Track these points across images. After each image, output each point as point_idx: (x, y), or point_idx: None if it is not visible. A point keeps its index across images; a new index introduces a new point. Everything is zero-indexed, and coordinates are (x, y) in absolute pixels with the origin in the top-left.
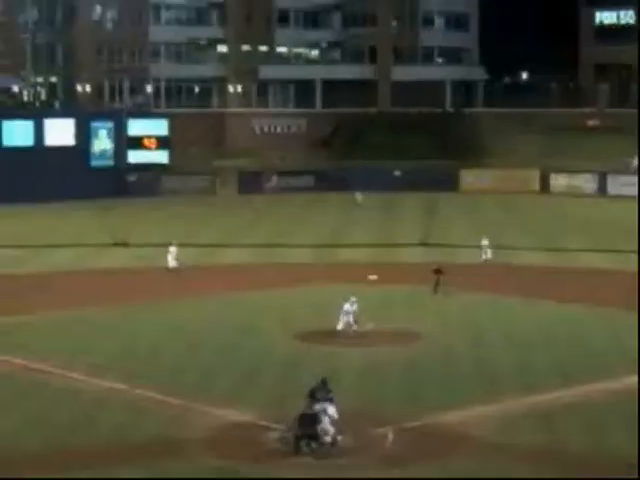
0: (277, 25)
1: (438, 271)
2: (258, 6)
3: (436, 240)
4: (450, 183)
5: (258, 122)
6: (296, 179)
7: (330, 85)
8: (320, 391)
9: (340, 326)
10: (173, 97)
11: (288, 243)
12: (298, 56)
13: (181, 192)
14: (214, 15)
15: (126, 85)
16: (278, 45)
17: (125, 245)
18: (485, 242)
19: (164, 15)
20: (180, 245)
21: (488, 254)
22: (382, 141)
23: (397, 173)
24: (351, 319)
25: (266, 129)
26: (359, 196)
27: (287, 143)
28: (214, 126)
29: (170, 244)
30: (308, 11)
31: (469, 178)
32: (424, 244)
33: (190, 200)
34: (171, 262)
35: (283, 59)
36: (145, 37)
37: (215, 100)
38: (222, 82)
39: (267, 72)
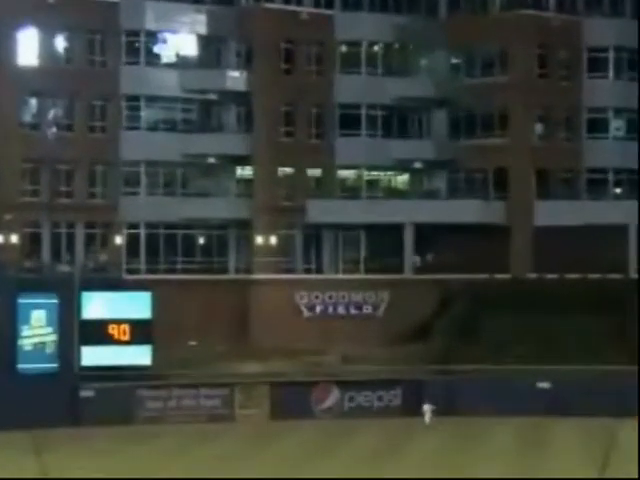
0: (338, 132)
1: None
2: (305, 100)
3: None
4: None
5: (306, 296)
6: (371, 394)
7: (429, 233)
8: None
9: None
10: (160, 253)
11: None
12: (373, 184)
13: (172, 417)
14: (230, 115)
15: (80, 233)
16: (340, 165)
17: None
18: None
19: (145, 114)
20: None
21: None
22: (517, 330)
23: (543, 385)
24: None
25: (320, 308)
26: (428, 411)
27: (355, 332)
28: (231, 303)
29: None
30: (392, 107)
31: None
32: None
33: (188, 431)
34: None
35: (347, 189)
36: (113, 151)
37: (232, 259)
38: (244, 228)
39: (320, 211)
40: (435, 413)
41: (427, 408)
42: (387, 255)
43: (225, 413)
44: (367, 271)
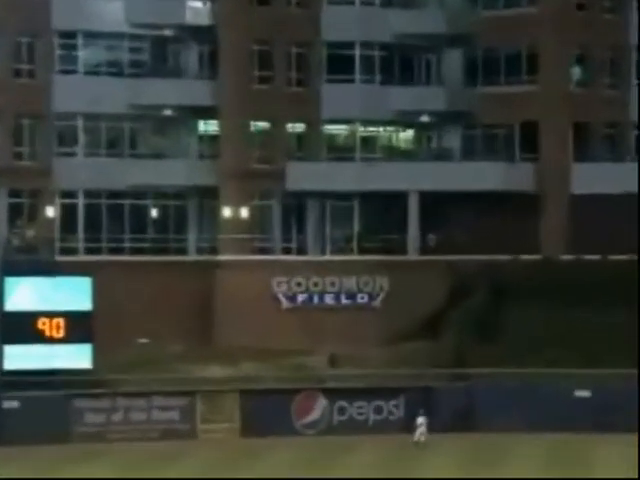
0: (325, 77)
1: None
2: (284, 38)
3: None
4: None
5: (285, 283)
6: (366, 405)
7: (439, 204)
8: None
9: None
10: (103, 229)
11: None
12: (369, 142)
13: (118, 433)
14: (190, 56)
15: (2, 204)
16: (327, 119)
17: None
18: None
19: (84, 55)
20: None
21: None
22: (549, 325)
23: (582, 393)
24: None
25: (302, 297)
26: (423, 424)
27: (347, 327)
28: (191, 290)
29: None
30: (393, 46)
31: None
32: None
33: (138, 451)
34: None
35: (337, 149)
36: (44, 101)
37: (193, 236)
38: (208, 198)
39: (303, 176)
40: (445, 429)
41: (421, 421)
42: (387, 231)
43: (184, 429)
44: (362, 251)
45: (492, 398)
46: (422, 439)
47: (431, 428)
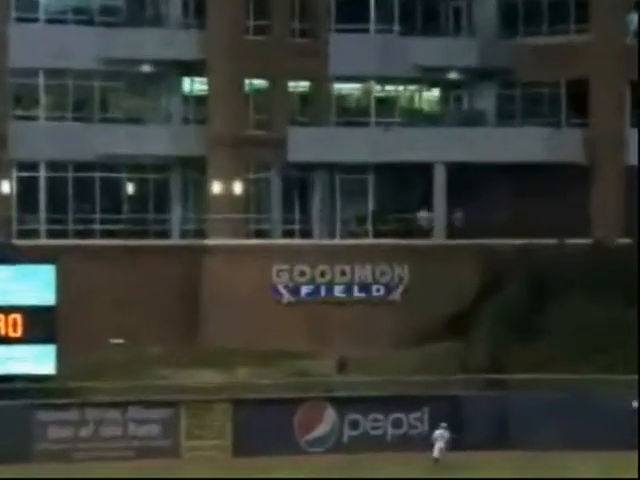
0: (334, 26)
1: None
2: None
3: None
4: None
5: (287, 272)
6: (382, 418)
7: (469, 177)
8: None
9: None
10: (68, 208)
11: None
12: (386, 104)
13: (87, 451)
14: (173, 1)
15: None
16: (337, 76)
17: None
18: None
19: (46, 0)
20: None
21: None
22: (600, 322)
23: None
24: None
25: (307, 289)
26: (442, 438)
27: (360, 325)
28: (175, 281)
29: None
30: None
31: None
32: None
33: (110, 472)
34: None
35: (348, 112)
36: None
37: (176, 216)
38: (194, 170)
39: (308, 144)
40: (476, 445)
41: (440, 434)
42: (407, 210)
43: (165, 445)
44: (377, 234)
45: (532, 409)
46: (441, 456)
47: (460, 444)
